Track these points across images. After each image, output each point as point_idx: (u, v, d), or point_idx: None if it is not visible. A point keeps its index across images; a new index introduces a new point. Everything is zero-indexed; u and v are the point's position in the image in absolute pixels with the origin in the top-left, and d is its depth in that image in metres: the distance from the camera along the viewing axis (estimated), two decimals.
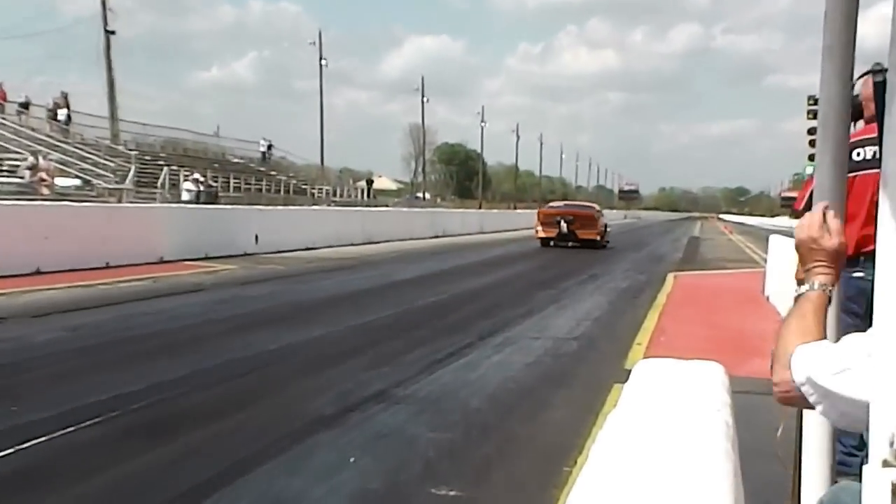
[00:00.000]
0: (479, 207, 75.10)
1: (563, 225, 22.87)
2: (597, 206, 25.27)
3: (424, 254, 18.69)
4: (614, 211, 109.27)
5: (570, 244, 22.09)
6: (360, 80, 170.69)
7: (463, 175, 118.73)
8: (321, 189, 41.11)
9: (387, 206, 45.80)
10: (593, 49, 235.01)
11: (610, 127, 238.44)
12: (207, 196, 24.25)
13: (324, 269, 13.91)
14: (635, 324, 8.54)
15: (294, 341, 7.01)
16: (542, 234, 22.99)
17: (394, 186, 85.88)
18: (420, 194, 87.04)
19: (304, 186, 40.26)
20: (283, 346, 6.82)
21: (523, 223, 38.28)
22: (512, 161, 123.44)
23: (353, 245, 19.77)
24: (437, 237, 25.94)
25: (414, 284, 12.19)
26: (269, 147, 42.67)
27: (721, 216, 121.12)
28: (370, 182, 47.60)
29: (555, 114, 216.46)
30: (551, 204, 25.91)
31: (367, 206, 37.38)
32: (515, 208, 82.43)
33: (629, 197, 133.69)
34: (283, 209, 19.75)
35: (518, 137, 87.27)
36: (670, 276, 14.41)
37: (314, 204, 33.43)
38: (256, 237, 16.18)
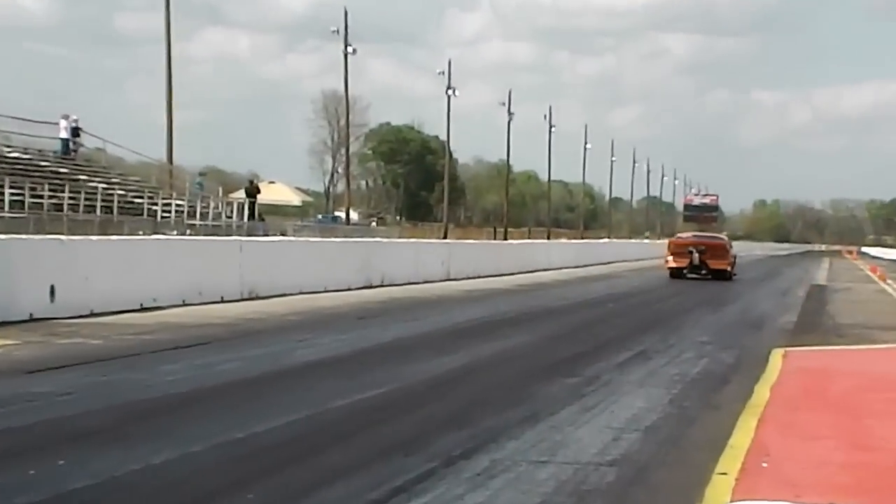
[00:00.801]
0: (445, 235, 76.95)
1: (696, 255, 36.44)
2: (726, 237, 41.92)
3: (348, 316, 18.97)
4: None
5: (699, 273, 36.33)
6: (237, 14, 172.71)
7: (416, 179, 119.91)
8: (168, 204, 41.13)
9: (283, 233, 46.07)
10: None
11: (668, 97, 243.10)
12: None
13: (172, 344, 13.83)
14: (717, 439, 8.65)
15: (117, 478, 6.96)
16: (673, 265, 37.32)
17: (296, 199, 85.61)
18: (341, 212, 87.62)
19: (137, 200, 40.26)
20: (100, 485, 6.77)
21: (522, 262, 39.98)
22: (497, 157, 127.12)
23: (223, 302, 19.88)
24: (370, 287, 26.18)
25: (330, 369, 12.33)
26: (76, 130, 42.56)
27: (865, 250, 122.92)
28: (253, 191, 47.51)
29: (574, 75, 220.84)
30: (680, 235, 42.28)
31: (249, 234, 37.52)
32: (507, 235, 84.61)
33: (702, 216, 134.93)
34: (102, 240, 19.71)
35: (510, 115, 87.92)
36: (776, 355, 14.74)
37: (156, 231, 33.33)
38: (52, 289, 16.08)
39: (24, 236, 18.80)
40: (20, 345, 13.16)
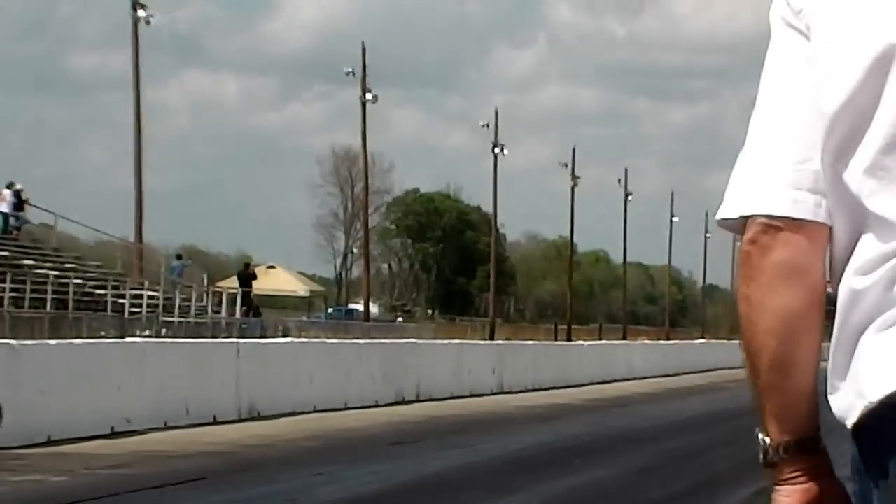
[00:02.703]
0: (491, 334, 76.54)
1: None
2: None
3: (377, 441, 19.04)
4: None
5: None
6: (223, 51, 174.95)
7: (453, 262, 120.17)
8: (138, 296, 41.45)
9: (285, 332, 46.01)
10: None
11: None
12: None
13: (154, 481, 13.94)
14: None
15: None
16: None
17: (302, 288, 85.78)
18: (357, 304, 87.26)
19: (98, 291, 40.57)
20: None
21: (595, 369, 39.98)
22: (556, 232, 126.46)
23: (215, 422, 19.97)
24: (402, 402, 26.21)
25: None
26: (20, 203, 43.14)
27: None
28: (247, 278, 47.85)
29: (657, 127, 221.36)
30: None
31: (243, 334, 37.53)
32: (570, 335, 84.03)
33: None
34: (61, 345, 19.86)
35: (575, 179, 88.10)
36: None
37: (124, 331, 33.38)
38: (0, 410, 16.22)
39: None
40: None
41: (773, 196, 2.14)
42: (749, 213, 2.16)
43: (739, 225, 2.20)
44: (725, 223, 2.23)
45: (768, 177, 2.16)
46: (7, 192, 42.43)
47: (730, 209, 2.20)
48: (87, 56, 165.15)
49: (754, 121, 2.28)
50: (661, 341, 72.80)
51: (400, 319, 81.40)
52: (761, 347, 2.18)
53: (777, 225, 2.13)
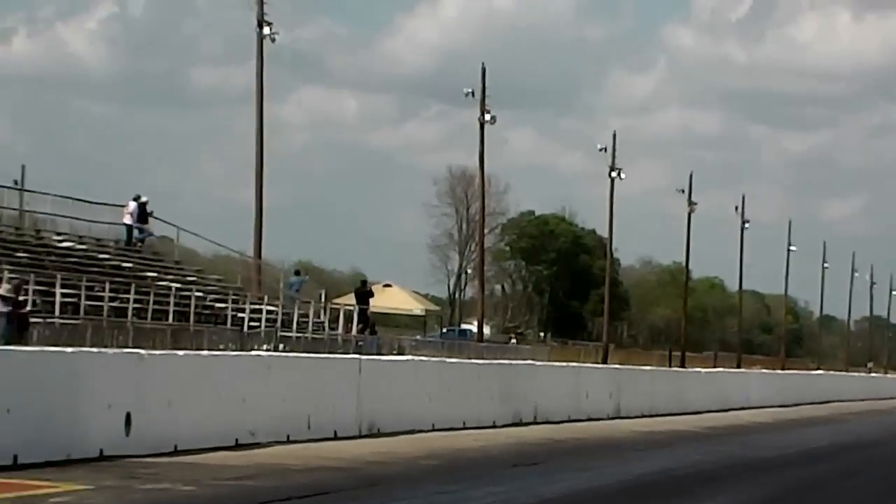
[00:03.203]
0: (605, 358, 76.18)
1: None
2: None
3: (498, 462, 19.02)
4: None
5: None
6: (344, 70, 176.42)
7: (566, 284, 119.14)
8: (257, 310, 41.82)
9: (400, 350, 46.24)
10: (875, 9, 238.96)
11: None
12: (4, 327, 24.66)
13: (278, 493, 14.05)
14: None
15: None
16: None
17: (417, 307, 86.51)
18: (469, 325, 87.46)
19: (219, 304, 41.00)
20: None
21: (711, 396, 39.63)
22: (671, 258, 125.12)
23: (336, 438, 20.11)
24: (520, 423, 26.25)
25: None
26: (145, 211, 43.58)
27: None
28: (365, 295, 48.09)
29: (775, 153, 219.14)
30: None
31: (357, 351, 37.78)
32: (683, 362, 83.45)
33: None
34: (189, 356, 20.12)
35: (691, 204, 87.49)
36: None
37: (242, 345, 33.64)
38: (129, 419, 16.42)
39: (93, 349, 19.29)
40: (93, 491, 13.44)
41: None
42: None
43: None
44: None
45: None
46: (133, 204, 42.88)
47: None
48: (210, 71, 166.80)
49: None
50: (778, 371, 71.95)
51: (513, 341, 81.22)
52: None
53: None
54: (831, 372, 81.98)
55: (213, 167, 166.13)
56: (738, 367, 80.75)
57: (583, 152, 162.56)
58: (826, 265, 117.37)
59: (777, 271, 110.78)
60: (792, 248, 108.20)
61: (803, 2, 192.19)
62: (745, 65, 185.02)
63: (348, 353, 32.48)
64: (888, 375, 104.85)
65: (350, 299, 50.55)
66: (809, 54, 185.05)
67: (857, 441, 30.16)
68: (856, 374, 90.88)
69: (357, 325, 45.42)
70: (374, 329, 48.16)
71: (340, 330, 44.67)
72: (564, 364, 39.07)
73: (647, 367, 46.66)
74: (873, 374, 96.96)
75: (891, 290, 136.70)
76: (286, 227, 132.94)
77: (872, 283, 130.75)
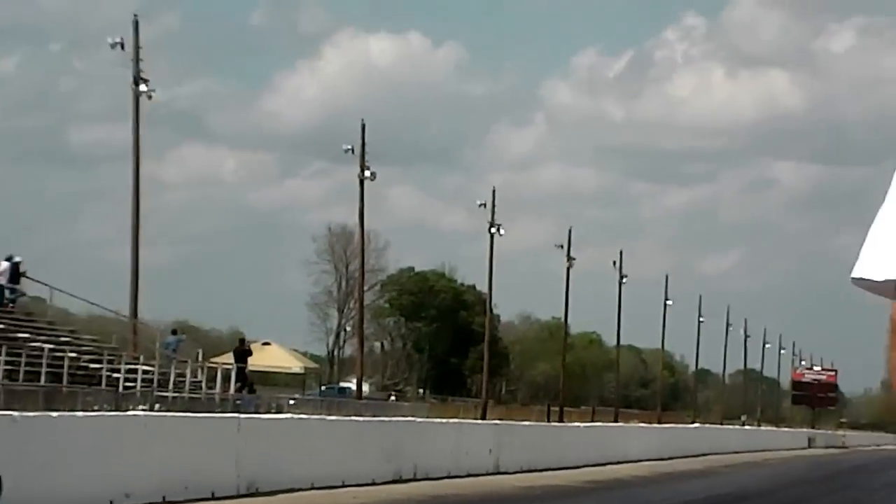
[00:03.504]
0: (483, 414, 76.23)
1: None
2: None
3: None
4: (783, 430, 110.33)
5: None
6: (223, 127, 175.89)
7: (446, 342, 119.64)
8: (133, 370, 41.36)
9: (278, 409, 45.92)
10: (748, 66, 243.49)
11: (777, 241, 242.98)
12: None
13: None
14: None
15: None
16: None
17: (297, 365, 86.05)
18: (348, 383, 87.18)
19: (93, 365, 40.48)
20: None
21: (590, 451, 39.79)
22: (550, 314, 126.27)
23: (214, 499, 19.96)
24: (400, 480, 26.22)
25: None
26: (17, 271, 43.08)
27: None
28: (243, 354, 47.80)
29: (653, 209, 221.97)
30: None
31: (235, 410, 37.46)
32: (562, 416, 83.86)
33: (816, 397, 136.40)
34: (64, 417, 19.76)
35: (570, 260, 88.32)
36: None
37: (118, 406, 33.15)
38: (0, 482, 16.09)
39: None
40: None
41: None
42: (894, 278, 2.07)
43: (889, 288, 2.10)
44: (864, 283, 2.15)
45: None
46: (5, 264, 42.37)
47: (873, 270, 2.13)
48: (88, 129, 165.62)
49: None
50: (656, 425, 72.60)
51: (393, 398, 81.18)
52: None
53: None
54: (707, 425, 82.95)
55: (91, 226, 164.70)
56: (616, 421, 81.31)
57: (463, 209, 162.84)
58: (702, 319, 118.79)
59: (654, 326, 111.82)
60: (668, 302, 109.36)
61: (678, 58, 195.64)
62: (624, 121, 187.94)
63: (226, 413, 32.15)
64: (762, 428, 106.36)
65: (228, 358, 50.19)
66: (686, 111, 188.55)
67: (731, 493, 30.52)
68: (730, 426, 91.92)
69: (235, 384, 45.11)
70: (252, 388, 47.92)
71: (218, 389, 44.30)
72: (446, 420, 39.05)
73: (527, 422, 46.80)
74: (747, 427, 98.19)
75: (764, 344, 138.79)
76: (164, 286, 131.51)
77: (746, 337, 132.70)
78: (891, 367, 2.06)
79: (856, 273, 2.12)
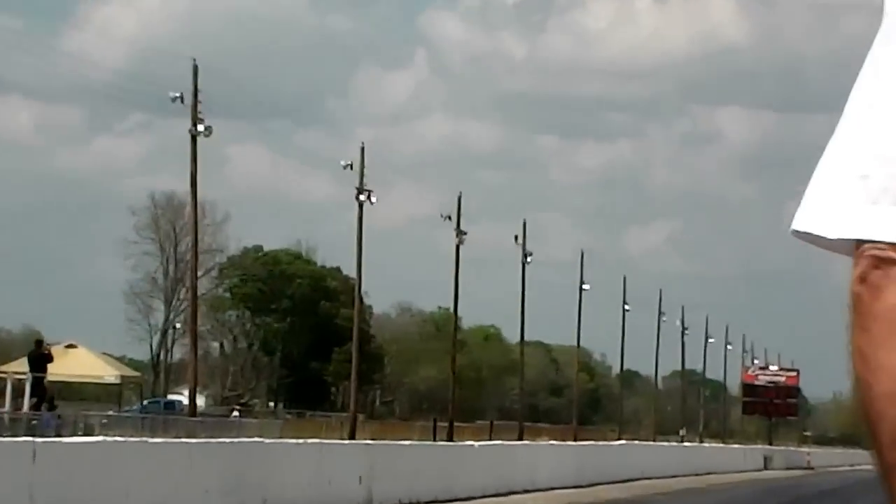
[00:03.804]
0: (352, 433, 76.11)
1: None
2: None
3: None
4: (733, 447, 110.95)
5: None
6: (15, 74, 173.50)
7: (304, 341, 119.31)
8: None
9: (87, 430, 45.44)
10: None
11: (720, 209, 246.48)
12: None
13: None
14: None
15: None
16: None
17: (110, 374, 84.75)
18: (179, 395, 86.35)
19: None
20: None
21: (489, 477, 40.11)
22: (435, 303, 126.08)
23: None
24: None
25: None
26: None
27: None
28: (41, 360, 47.39)
29: (565, 171, 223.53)
30: None
31: (31, 432, 37.04)
32: (451, 434, 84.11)
33: (772, 405, 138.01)
34: None
35: (460, 235, 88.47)
36: None
37: None
38: None
39: None
40: None
41: (885, 216, 1.94)
42: (853, 238, 1.96)
43: (843, 248, 1.98)
44: (810, 238, 2.02)
45: (878, 188, 1.95)
46: None
47: (824, 225, 2.02)
48: None
49: (858, 100, 2.07)
50: (571, 442, 73.10)
51: (236, 414, 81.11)
52: (880, 416, 2.00)
53: (893, 257, 1.93)
54: (636, 442, 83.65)
55: None
56: (521, 438, 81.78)
57: (325, 172, 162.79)
58: (627, 308, 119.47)
59: (568, 317, 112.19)
60: (585, 286, 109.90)
61: None
62: (527, 61, 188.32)
63: (18, 436, 31.80)
64: (705, 445, 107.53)
65: (22, 365, 49.75)
66: (603, 47, 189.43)
67: None
68: (666, 443, 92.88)
69: (30, 398, 44.76)
70: (52, 403, 47.51)
71: (8, 406, 43.97)
72: (303, 441, 38.97)
73: (408, 442, 46.81)
74: (687, 444, 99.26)
75: (706, 339, 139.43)
76: None
77: (684, 330, 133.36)
78: (851, 351, 1.97)
79: (799, 225, 2.00)
